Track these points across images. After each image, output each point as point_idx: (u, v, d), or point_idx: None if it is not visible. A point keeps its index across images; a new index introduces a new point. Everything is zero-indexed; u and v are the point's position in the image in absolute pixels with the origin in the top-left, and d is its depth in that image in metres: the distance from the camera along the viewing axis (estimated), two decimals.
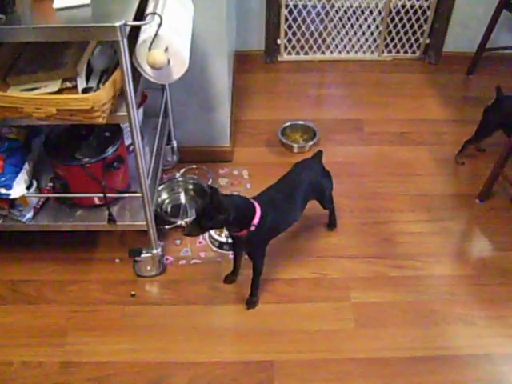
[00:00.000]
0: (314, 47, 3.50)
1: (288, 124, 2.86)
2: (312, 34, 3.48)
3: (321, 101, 3.23)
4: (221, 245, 2.26)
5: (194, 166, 2.64)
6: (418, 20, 3.48)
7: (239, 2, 3.19)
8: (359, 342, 1.99)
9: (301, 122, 2.88)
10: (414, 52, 3.58)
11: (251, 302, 2.09)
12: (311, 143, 2.76)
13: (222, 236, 2.28)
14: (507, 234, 2.37)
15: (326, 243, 2.32)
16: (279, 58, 3.50)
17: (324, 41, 3.50)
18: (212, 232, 2.28)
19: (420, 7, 3.44)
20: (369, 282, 2.18)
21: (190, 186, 2.52)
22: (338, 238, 2.35)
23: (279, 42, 3.43)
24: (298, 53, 3.50)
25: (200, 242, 2.30)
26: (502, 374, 1.91)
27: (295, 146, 2.75)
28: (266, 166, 2.67)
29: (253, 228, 1.86)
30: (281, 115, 2.98)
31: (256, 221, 1.86)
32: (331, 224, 2.37)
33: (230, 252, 2.23)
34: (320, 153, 2.23)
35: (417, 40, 3.53)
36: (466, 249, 2.37)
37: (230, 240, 2.22)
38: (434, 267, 2.24)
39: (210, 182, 2.54)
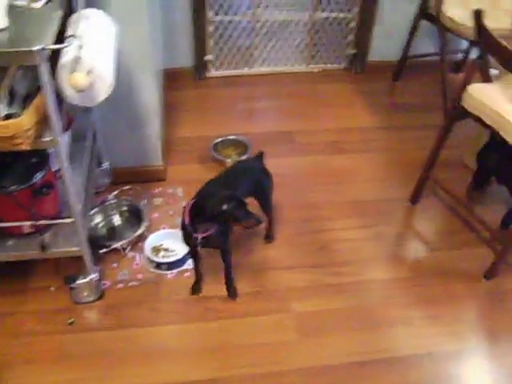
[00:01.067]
0: (242, 62, 3.53)
1: (220, 140, 2.87)
2: (239, 49, 3.51)
3: (251, 115, 3.25)
4: (158, 265, 2.23)
5: (128, 187, 2.60)
6: (342, 31, 3.57)
7: (164, 19, 3.18)
8: (303, 352, 2.00)
9: (232, 137, 2.90)
10: (340, 62, 3.67)
11: (232, 294, 2.15)
12: (244, 157, 2.77)
13: (159, 256, 2.25)
14: (439, 233, 2.45)
15: (264, 256, 2.33)
16: (208, 74, 3.51)
17: (251, 55, 3.53)
18: (148, 253, 2.25)
19: (343, 19, 3.52)
20: (308, 292, 2.20)
21: (124, 208, 2.48)
22: (275, 250, 2.36)
23: (206, 58, 3.44)
24: (226, 68, 3.52)
25: (137, 264, 2.26)
26: (443, 371, 1.96)
27: (228, 160, 2.76)
28: (200, 183, 2.60)
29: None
30: (212, 131, 2.98)
31: None
32: (269, 236, 2.38)
33: (168, 272, 2.21)
34: (261, 153, 2.28)
35: (342, 51, 3.62)
36: (401, 252, 2.42)
37: (165, 260, 2.20)
38: (371, 272, 2.29)
39: (144, 203, 2.51)
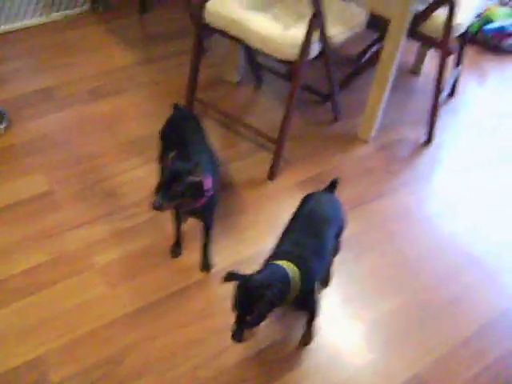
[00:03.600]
0: None
1: None
2: None
3: (1, 79, 2.99)
4: None
5: None
6: None
7: None
8: (116, 300, 1.98)
9: None
10: (82, 5, 3.50)
11: (207, 266, 2.09)
12: (3, 126, 2.56)
13: None
14: (219, 150, 2.48)
15: (52, 220, 2.23)
16: None
17: None
18: None
19: None
20: (108, 242, 2.16)
21: None
22: (63, 212, 2.26)
23: None
24: None
25: None
26: None
27: None
28: None
29: (211, 192, 1.85)
30: None
31: (210, 185, 1.83)
32: None
33: None
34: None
35: None
36: None
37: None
38: None
39: None
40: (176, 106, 2.24)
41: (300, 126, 2.74)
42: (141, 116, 2.72)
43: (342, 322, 1.99)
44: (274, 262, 1.60)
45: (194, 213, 1.98)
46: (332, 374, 1.84)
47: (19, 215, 2.23)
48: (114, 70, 3.05)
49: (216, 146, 2.33)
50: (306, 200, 1.85)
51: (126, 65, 3.09)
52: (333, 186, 1.91)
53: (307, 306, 1.75)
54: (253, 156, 2.58)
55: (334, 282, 2.08)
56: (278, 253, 1.67)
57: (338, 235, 1.88)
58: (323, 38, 2.21)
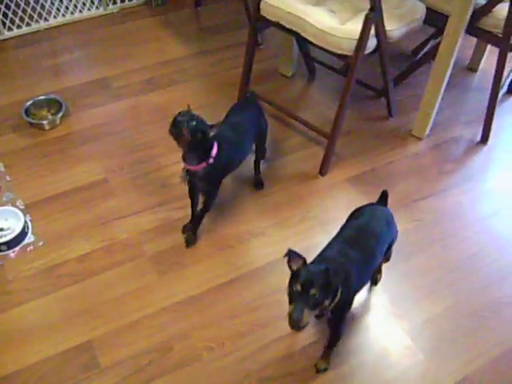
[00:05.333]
0: (35, 16, 3.29)
1: (30, 102, 2.68)
2: (28, 4, 3.26)
3: (59, 70, 3.06)
4: None
5: None
6: None
7: None
8: (166, 289, 2.01)
9: (43, 97, 2.72)
10: None
11: (190, 240, 2.14)
12: (60, 115, 2.62)
13: None
14: (270, 143, 2.48)
15: (106, 208, 2.28)
16: (1, 37, 3.23)
17: (43, 7, 3.30)
18: None
19: None
20: (159, 231, 2.20)
21: None
22: (116, 200, 2.31)
23: None
24: (19, 26, 3.26)
25: None
26: None
27: (45, 122, 2.60)
28: (21, 153, 2.50)
29: (211, 160, 1.93)
30: (20, 95, 2.77)
31: (214, 153, 1.93)
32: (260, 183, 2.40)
33: (10, 251, 2.09)
34: (252, 93, 2.32)
35: None
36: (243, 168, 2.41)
37: (3, 240, 2.08)
38: None
39: None
40: (251, 94, 2.33)
41: (353, 121, 2.71)
42: (195, 107, 2.69)
43: (392, 321, 1.96)
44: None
45: (195, 179, 2.03)
46: (379, 373, 1.82)
47: (75, 202, 2.29)
48: (169, 61, 3.08)
49: (268, 139, 2.34)
50: (359, 211, 1.81)
51: (180, 57, 3.12)
52: (384, 197, 1.87)
53: (340, 319, 1.69)
54: (304, 150, 2.57)
55: (385, 281, 2.06)
56: (324, 257, 1.65)
57: (389, 246, 1.85)
58: (380, 32, 2.18)
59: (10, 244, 2.10)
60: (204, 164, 1.95)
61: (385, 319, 1.97)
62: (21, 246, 2.12)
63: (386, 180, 2.45)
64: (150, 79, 2.95)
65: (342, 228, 1.78)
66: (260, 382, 1.78)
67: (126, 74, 2.98)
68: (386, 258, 1.96)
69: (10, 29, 3.24)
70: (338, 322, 1.71)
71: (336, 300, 1.53)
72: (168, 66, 3.05)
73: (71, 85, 2.91)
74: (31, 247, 2.12)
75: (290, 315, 1.42)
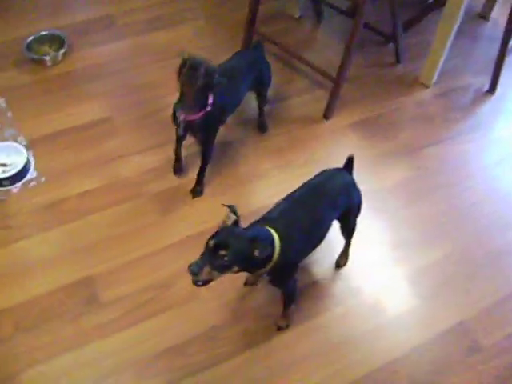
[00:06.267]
0: None
1: (32, 38, 2.62)
2: None
3: (62, 5, 2.97)
4: (0, 183, 2.09)
5: None
6: None
7: None
8: (169, 227, 2.03)
9: (45, 33, 2.66)
10: None
11: (196, 191, 2.12)
12: (62, 51, 2.58)
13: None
14: (275, 85, 2.42)
15: (109, 147, 2.27)
16: None
17: None
18: None
19: None
20: (161, 170, 2.19)
21: None
22: (119, 139, 2.30)
23: None
24: None
25: None
26: None
27: (47, 58, 2.55)
28: (22, 89, 2.47)
29: (209, 108, 1.90)
30: (22, 31, 2.70)
31: (210, 101, 1.89)
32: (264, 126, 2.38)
33: (12, 186, 2.08)
34: (259, 42, 2.26)
35: None
36: (242, 112, 2.40)
37: (6, 174, 2.07)
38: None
39: None
40: (258, 43, 2.27)
41: (359, 67, 2.66)
42: (199, 48, 2.69)
43: (390, 266, 1.98)
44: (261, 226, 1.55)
45: (192, 129, 1.99)
46: (373, 316, 1.85)
47: (77, 140, 2.28)
48: (171, 1, 3.00)
49: (273, 81, 2.31)
50: (319, 173, 1.75)
51: None
52: (349, 163, 1.76)
53: (281, 282, 1.66)
54: (309, 93, 2.54)
55: (384, 226, 2.08)
56: (266, 218, 1.60)
57: (352, 215, 1.79)
58: None
59: (13, 179, 2.09)
60: (202, 112, 1.91)
61: (385, 264, 1.99)
62: (23, 181, 2.12)
63: (390, 126, 2.43)
64: (153, 18, 2.88)
65: (298, 188, 1.71)
66: (259, 318, 1.81)
67: (129, 13, 2.91)
68: (347, 234, 1.88)
69: None
70: (282, 285, 1.67)
71: (270, 264, 1.48)
72: (173, 5, 2.97)
73: (74, 21, 2.84)
74: (33, 183, 2.12)
75: (189, 267, 1.36)
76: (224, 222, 1.48)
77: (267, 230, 1.51)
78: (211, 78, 1.81)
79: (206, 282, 1.40)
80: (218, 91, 1.91)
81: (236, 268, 1.42)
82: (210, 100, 1.90)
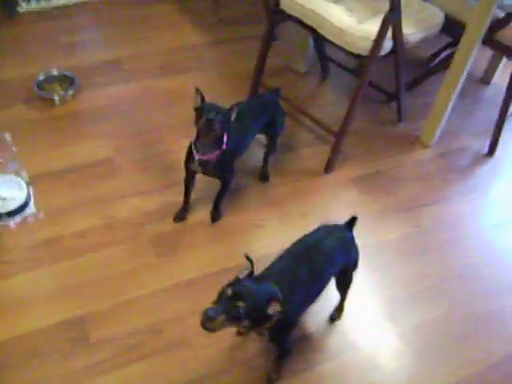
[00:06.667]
0: None
1: (43, 76, 2.68)
2: None
3: (74, 47, 3.05)
4: None
5: None
6: None
7: None
8: (164, 271, 2.02)
9: (56, 72, 2.73)
10: None
11: (215, 217, 2.19)
12: (71, 91, 2.63)
13: None
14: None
15: (110, 186, 2.28)
16: (19, 10, 3.23)
17: None
18: None
19: None
20: (161, 214, 2.20)
21: None
22: (120, 180, 2.31)
23: None
24: (38, 0, 3.26)
25: None
26: None
27: (55, 97, 2.60)
28: (29, 125, 2.50)
29: (224, 146, 1.96)
30: (34, 69, 2.76)
31: (225, 139, 1.96)
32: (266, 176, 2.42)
33: (10, 221, 2.09)
34: (278, 89, 2.34)
35: None
36: (246, 160, 2.44)
37: (4, 209, 2.08)
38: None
39: None
40: (276, 89, 2.35)
41: (362, 123, 2.71)
42: (205, 96, 2.73)
43: (383, 324, 1.97)
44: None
45: (207, 167, 2.02)
46: (365, 374, 1.82)
47: (79, 178, 2.30)
48: (184, 48, 3.09)
49: None
50: (317, 229, 1.76)
51: (195, 44, 3.13)
52: (352, 222, 1.77)
53: (280, 339, 1.63)
54: (312, 147, 2.57)
55: (379, 281, 2.07)
56: (269, 274, 1.60)
57: (349, 270, 1.79)
58: (397, 35, 2.18)
59: (12, 214, 2.10)
60: (218, 152, 1.96)
61: (377, 321, 1.97)
62: (22, 216, 2.12)
63: (390, 183, 2.45)
64: (163, 64, 2.95)
65: (296, 243, 1.71)
66: (249, 370, 1.78)
67: (139, 57, 2.98)
68: (344, 288, 1.87)
69: (28, 3, 3.23)
70: (278, 341, 1.65)
71: (272, 321, 1.45)
72: (182, 53, 3.05)
73: (84, 63, 2.91)
74: (32, 218, 2.12)
75: (206, 311, 1.34)
76: (240, 271, 1.48)
77: (275, 287, 1.50)
78: (228, 124, 1.89)
79: (214, 330, 1.37)
80: (233, 129, 1.98)
81: (246, 322, 1.40)
82: (225, 138, 1.96)
